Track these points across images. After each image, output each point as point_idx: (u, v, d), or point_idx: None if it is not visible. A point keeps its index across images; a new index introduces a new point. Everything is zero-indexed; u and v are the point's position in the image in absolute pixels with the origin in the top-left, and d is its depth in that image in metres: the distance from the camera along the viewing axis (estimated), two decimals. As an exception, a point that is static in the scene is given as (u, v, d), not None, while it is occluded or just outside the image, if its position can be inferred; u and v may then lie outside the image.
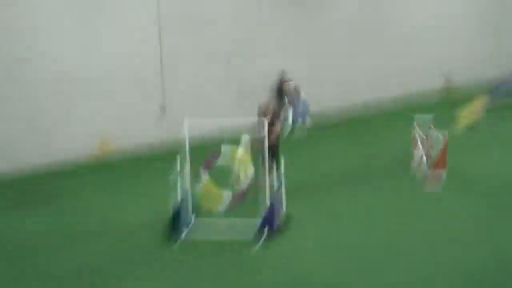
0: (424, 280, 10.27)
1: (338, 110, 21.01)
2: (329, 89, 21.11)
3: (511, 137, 17.52)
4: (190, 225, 12.47)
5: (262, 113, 13.40)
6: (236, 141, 13.17)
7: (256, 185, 12.94)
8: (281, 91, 19.74)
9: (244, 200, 12.65)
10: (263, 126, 12.40)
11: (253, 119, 13.28)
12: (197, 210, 12.87)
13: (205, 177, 12.35)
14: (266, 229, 12.00)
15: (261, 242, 11.77)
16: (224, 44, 19.31)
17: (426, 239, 11.77)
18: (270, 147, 12.73)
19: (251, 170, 12.58)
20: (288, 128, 19.27)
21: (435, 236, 11.88)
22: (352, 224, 12.68)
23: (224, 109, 18.59)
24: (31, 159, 16.60)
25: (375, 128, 19.77)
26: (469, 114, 18.94)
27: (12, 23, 16.41)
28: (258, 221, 12.09)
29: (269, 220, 12.05)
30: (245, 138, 13.52)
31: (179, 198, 12.31)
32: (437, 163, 14.64)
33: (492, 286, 10.09)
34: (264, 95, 19.68)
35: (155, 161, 16.97)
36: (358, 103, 21.53)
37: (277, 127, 13.44)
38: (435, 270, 10.57)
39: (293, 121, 19.55)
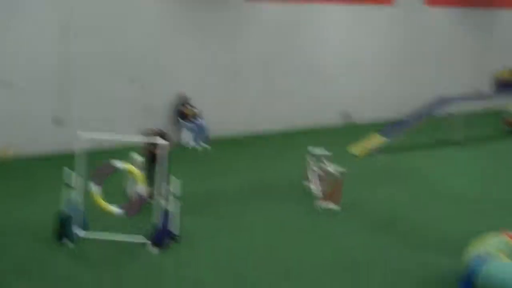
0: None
1: (240, 134, 21.19)
2: (233, 114, 21.26)
3: (400, 173, 17.96)
4: (76, 234, 12.35)
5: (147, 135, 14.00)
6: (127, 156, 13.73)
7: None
8: (181, 114, 19.97)
9: (141, 207, 12.63)
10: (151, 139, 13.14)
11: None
12: (86, 222, 12.77)
13: (94, 187, 12.26)
14: (151, 246, 12.16)
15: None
16: (130, 59, 19.15)
17: (317, 264, 12.00)
18: (155, 158, 13.44)
19: (142, 181, 12.57)
20: (187, 144, 19.73)
21: (328, 262, 12.16)
22: (252, 239, 12.99)
23: (123, 126, 18.39)
24: None
25: (275, 151, 20.14)
26: (363, 147, 19.70)
27: None
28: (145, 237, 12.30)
29: (157, 236, 12.22)
30: (135, 156, 14.12)
31: (66, 209, 12.35)
32: (331, 193, 14.97)
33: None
34: (164, 116, 19.87)
35: (50, 170, 16.64)
36: (260, 130, 21.75)
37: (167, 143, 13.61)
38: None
39: (194, 139, 19.84)
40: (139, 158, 14.28)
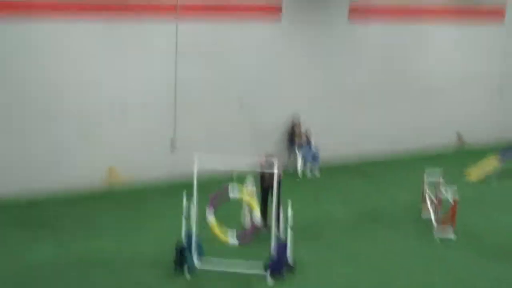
0: None
1: (350, 158, 20.97)
2: (342, 137, 21.04)
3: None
4: (193, 265, 12.48)
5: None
6: (242, 180, 13.86)
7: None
8: (293, 135, 19.87)
9: (255, 235, 12.68)
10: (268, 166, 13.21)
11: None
12: (201, 251, 12.93)
13: (211, 217, 12.34)
14: (267, 277, 12.17)
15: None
16: (238, 83, 19.29)
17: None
18: (268, 188, 13.69)
19: (257, 207, 12.59)
20: (299, 170, 19.47)
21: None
22: (366, 267, 12.86)
23: (235, 149, 18.49)
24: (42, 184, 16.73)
25: (387, 175, 19.79)
26: (479, 171, 19.15)
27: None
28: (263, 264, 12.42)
29: (273, 268, 12.24)
30: (250, 179, 14.37)
31: (183, 238, 12.55)
32: (445, 220, 14.64)
33: None
34: (276, 138, 19.88)
35: (164, 195, 16.99)
36: (370, 153, 21.45)
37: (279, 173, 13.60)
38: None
39: (304, 164, 19.61)
40: (251, 185, 14.39)
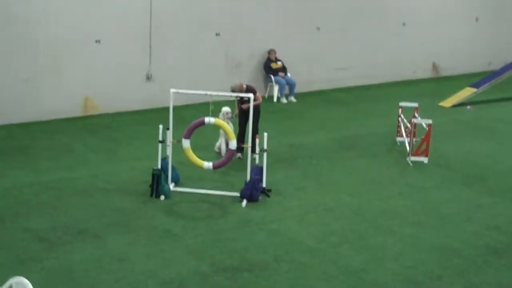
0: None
1: (326, 88, 21.10)
2: (318, 70, 21.15)
3: (491, 127, 17.61)
4: (169, 189, 12.62)
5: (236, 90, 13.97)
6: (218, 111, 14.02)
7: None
8: (269, 64, 20.03)
9: (230, 160, 12.75)
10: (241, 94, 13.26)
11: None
12: (177, 177, 13.11)
13: (186, 143, 12.42)
14: (244, 201, 12.34)
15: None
16: (214, 15, 19.17)
17: (406, 217, 11.94)
18: (246, 114, 13.63)
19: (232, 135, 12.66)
20: (275, 97, 19.94)
21: (417, 215, 12.15)
22: (342, 193, 13.04)
23: (212, 80, 18.55)
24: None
25: (363, 104, 20.03)
26: (453, 100, 19.42)
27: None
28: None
29: (248, 191, 12.38)
30: (226, 109, 14.58)
31: (159, 165, 12.67)
32: (419, 145, 14.83)
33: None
34: (252, 70, 19.95)
35: (139, 124, 17.09)
36: (347, 86, 21.57)
37: (257, 98, 13.66)
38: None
39: (280, 92, 19.97)
40: (228, 111, 14.51)
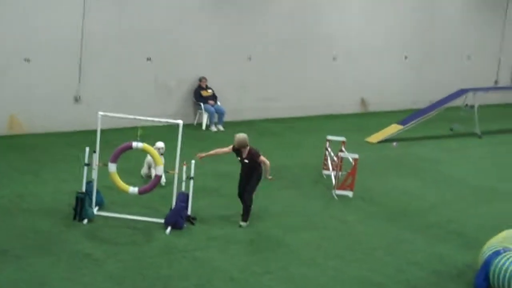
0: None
1: (257, 120, 21.19)
2: (248, 101, 21.23)
3: (415, 164, 17.94)
4: (93, 213, 12.46)
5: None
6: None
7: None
8: (199, 91, 20.06)
9: (155, 186, 12.62)
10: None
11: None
12: (102, 200, 12.99)
13: (112, 167, 12.27)
14: (169, 228, 12.27)
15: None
16: (146, 39, 19.10)
17: (331, 249, 12.01)
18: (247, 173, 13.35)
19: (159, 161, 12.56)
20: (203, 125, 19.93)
21: (342, 247, 12.24)
22: (267, 223, 13.04)
23: (140, 105, 18.44)
24: None
25: (292, 136, 20.13)
26: (380, 135, 19.72)
27: None
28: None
29: (173, 217, 12.33)
30: (160, 144, 14.60)
31: (84, 187, 12.52)
32: (345, 178, 14.99)
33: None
34: (182, 97, 19.92)
35: (66, 146, 16.86)
36: (276, 117, 21.70)
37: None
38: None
39: (210, 120, 19.96)
40: (162, 146, 14.57)
